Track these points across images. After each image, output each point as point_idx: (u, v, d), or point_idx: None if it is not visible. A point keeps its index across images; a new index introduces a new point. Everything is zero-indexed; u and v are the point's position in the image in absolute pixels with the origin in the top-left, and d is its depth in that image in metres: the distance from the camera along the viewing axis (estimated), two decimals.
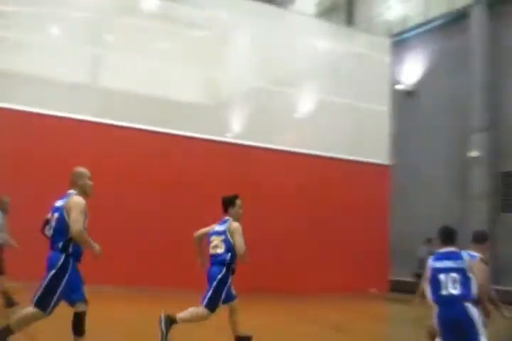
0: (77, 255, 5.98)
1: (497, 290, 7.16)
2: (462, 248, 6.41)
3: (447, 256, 6.19)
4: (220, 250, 7.22)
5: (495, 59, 19.53)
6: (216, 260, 7.21)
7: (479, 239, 6.93)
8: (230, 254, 7.18)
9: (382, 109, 19.57)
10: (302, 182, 17.08)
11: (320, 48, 19.50)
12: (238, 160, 16.30)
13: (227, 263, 7.17)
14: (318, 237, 17.08)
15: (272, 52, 17.56)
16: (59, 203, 6.09)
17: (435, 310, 6.08)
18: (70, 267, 5.87)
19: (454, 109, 20.53)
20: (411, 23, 22.51)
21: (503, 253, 18.24)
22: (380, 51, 20.29)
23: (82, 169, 6.31)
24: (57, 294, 5.83)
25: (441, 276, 6.07)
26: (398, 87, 21.27)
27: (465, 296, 5.94)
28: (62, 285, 5.83)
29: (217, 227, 7.41)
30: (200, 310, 7.05)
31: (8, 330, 5.80)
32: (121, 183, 14.22)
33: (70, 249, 5.90)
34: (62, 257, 5.87)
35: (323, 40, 19.56)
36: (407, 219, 20.99)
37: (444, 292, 6.02)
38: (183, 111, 15.95)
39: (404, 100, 21.78)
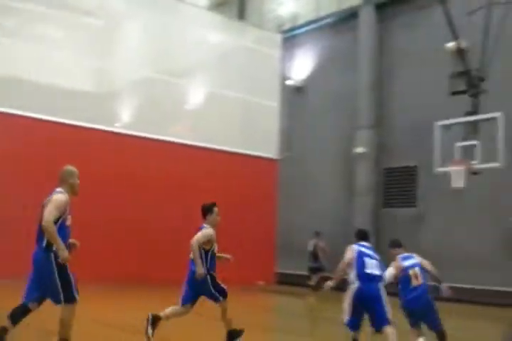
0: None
1: None
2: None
3: (368, 248, 8.09)
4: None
5: (382, 59, 21.02)
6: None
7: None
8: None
9: (271, 103, 20.68)
10: (191, 174, 17.89)
11: (211, 41, 20.31)
12: (127, 151, 16.85)
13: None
14: None
15: (164, 43, 18.22)
16: (46, 199, 6.35)
17: (355, 285, 7.67)
18: (54, 263, 6.11)
19: (341, 106, 21.90)
20: (302, 20, 23.71)
21: (385, 247, 19.74)
22: (270, 46, 21.37)
23: (72, 167, 6.57)
24: (72, 281, 6.21)
25: (367, 259, 7.82)
26: (288, 82, 22.34)
27: (380, 278, 7.79)
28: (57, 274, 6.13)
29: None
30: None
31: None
32: (10, 172, 14.45)
33: (54, 247, 6.11)
34: (46, 255, 6.12)
35: (215, 33, 20.38)
36: (294, 213, 22.18)
37: (368, 271, 7.72)
38: (73, 99, 16.29)
39: (294, 96, 22.97)
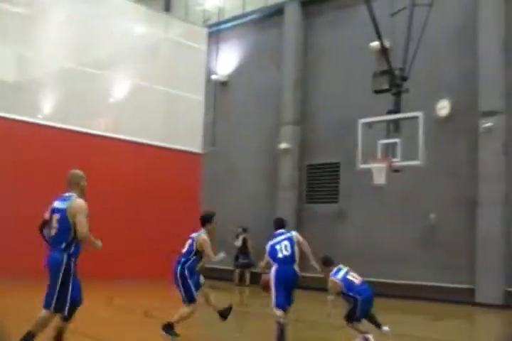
0: (76, 255, 6.51)
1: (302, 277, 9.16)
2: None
3: (280, 234, 9.05)
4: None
5: (307, 56, 21.28)
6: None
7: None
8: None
9: (196, 98, 20.64)
10: (114, 167, 17.64)
11: (137, 33, 20.09)
12: (49, 142, 16.46)
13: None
14: (128, 223, 17.68)
15: (89, 34, 17.93)
16: (60, 205, 6.58)
17: (274, 267, 8.61)
18: (72, 266, 6.43)
19: (266, 101, 22.04)
20: (228, 15, 23.66)
21: (306, 240, 20.01)
22: (196, 40, 21.32)
23: (79, 171, 6.83)
24: (69, 294, 6.39)
25: (277, 246, 8.79)
26: (214, 77, 22.29)
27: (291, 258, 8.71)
28: (71, 284, 6.39)
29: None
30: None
31: (31, 335, 6.28)
32: None
33: (72, 249, 6.45)
34: (65, 257, 6.39)
35: (140, 25, 20.18)
36: (217, 208, 21.95)
37: (279, 255, 8.66)
38: None
39: (219, 90, 22.98)
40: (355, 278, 9.01)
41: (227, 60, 23.40)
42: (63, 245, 6.42)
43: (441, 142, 16.96)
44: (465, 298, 16.03)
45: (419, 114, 14.09)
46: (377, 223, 18.27)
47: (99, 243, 6.68)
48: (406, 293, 16.94)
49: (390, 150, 14.52)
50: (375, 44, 17.11)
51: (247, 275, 20.48)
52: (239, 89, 23.25)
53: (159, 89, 19.79)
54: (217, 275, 21.30)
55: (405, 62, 15.08)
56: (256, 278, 10.30)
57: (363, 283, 9.02)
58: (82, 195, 6.73)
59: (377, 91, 15.33)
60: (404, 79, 15.00)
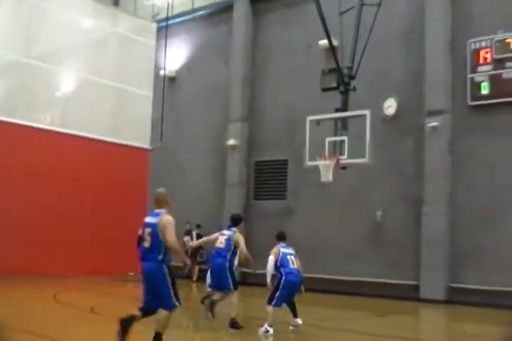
0: (169, 263, 7.35)
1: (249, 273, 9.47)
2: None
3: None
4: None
5: (255, 53, 21.30)
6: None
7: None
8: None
9: (145, 93, 20.48)
10: (61, 163, 17.37)
11: (84, 27, 19.82)
12: None
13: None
14: (73, 220, 17.42)
15: (35, 27, 17.64)
16: (151, 220, 7.48)
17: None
18: (169, 270, 7.32)
19: (214, 98, 22.00)
20: (178, 10, 23.50)
21: (254, 237, 20.05)
22: (145, 35, 21.15)
23: (165, 190, 7.92)
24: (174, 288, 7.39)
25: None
26: (162, 72, 22.10)
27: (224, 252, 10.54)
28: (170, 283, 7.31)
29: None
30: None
31: (160, 335, 7.32)
32: None
33: (166, 259, 7.30)
34: (164, 266, 7.24)
35: (88, 19, 19.91)
36: None
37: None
38: None
39: (168, 86, 22.77)
40: (292, 262, 9.92)
41: (176, 55, 23.24)
42: (160, 257, 7.22)
43: (387, 140, 17.17)
44: (410, 294, 16.28)
45: (366, 112, 14.21)
46: (325, 220, 18.41)
47: (186, 259, 7.83)
48: (352, 290, 17.11)
49: (337, 148, 14.63)
50: (324, 42, 17.22)
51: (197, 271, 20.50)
52: (187, 85, 23.13)
53: (107, 83, 19.55)
54: None
55: (353, 61, 15.20)
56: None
57: (298, 270, 9.92)
58: (169, 211, 7.66)
59: (325, 89, 15.42)
60: (352, 77, 15.11)
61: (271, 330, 9.40)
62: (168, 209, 7.64)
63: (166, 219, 7.41)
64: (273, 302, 9.64)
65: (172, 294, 7.28)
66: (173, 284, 7.32)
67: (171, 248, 7.28)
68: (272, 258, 9.95)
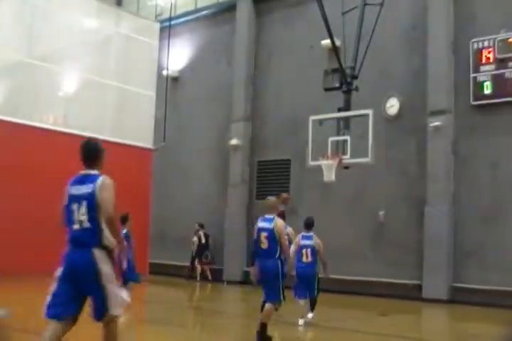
0: (284, 262, 8.47)
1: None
2: None
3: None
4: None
5: (258, 53, 21.30)
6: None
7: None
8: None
9: (147, 93, 20.44)
10: (63, 162, 17.23)
11: (87, 27, 19.76)
12: None
13: None
14: None
15: (38, 27, 17.61)
16: (266, 225, 8.46)
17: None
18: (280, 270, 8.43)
19: (217, 97, 22.01)
20: (181, 10, 23.52)
21: None
22: (148, 35, 21.11)
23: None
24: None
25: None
26: (165, 72, 22.13)
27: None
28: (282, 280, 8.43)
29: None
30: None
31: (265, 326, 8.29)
32: None
33: (282, 257, 8.44)
34: (279, 263, 8.37)
35: (91, 19, 19.86)
36: (168, 204, 22.08)
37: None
38: None
39: (171, 86, 22.76)
40: (306, 256, 11.04)
41: (179, 55, 23.24)
42: (277, 256, 8.35)
43: (390, 140, 17.17)
44: (413, 293, 16.28)
45: (369, 111, 14.23)
46: (327, 220, 18.35)
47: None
48: (355, 289, 17.10)
49: (340, 148, 14.64)
50: (326, 42, 17.20)
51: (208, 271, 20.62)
52: (190, 85, 23.14)
53: (110, 83, 19.54)
54: (166, 271, 21.27)
55: (356, 61, 15.21)
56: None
57: (307, 264, 10.96)
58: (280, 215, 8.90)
59: (328, 89, 15.43)
60: (354, 77, 15.12)
61: (300, 321, 10.52)
62: (276, 214, 8.74)
63: (280, 223, 8.46)
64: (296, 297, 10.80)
65: (281, 290, 8.35)
66: (283, 281, 8.41)
67: (286, 252, 8.51)
68: (292, 248, 10.44)
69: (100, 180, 5.67)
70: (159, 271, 20.86)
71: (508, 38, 15.55)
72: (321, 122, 15.13)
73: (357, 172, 16.26)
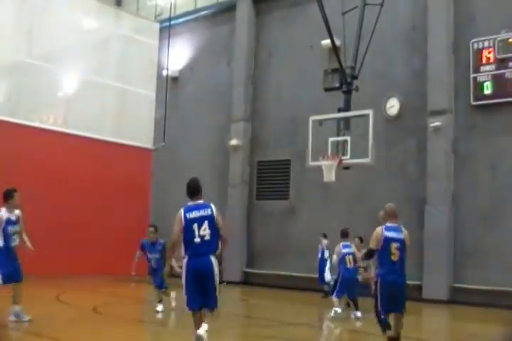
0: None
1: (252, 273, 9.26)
2: None
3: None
4: None
5: (258, 53, 21.29)
6: None
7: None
8: None
9: (148, 93, 20.46)
10: (63, 162, 17.37)
11: (87, 27, 19.78)
12: None
13: None
14: (79, 219, 17.43)
15: (38, 27, 17.61)
16: (397, 235, 7.92)
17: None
18: None
19: (217, 97, 21.99)
20: (180, 10, 23.50)
21: (257, 237, 20.09)
22: (148, 35, 21.16)
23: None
24: None
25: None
26: (165, 72, 22.14)
27: None
28: None
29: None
30: None
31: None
32: None
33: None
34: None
35: (91, 19, 19.87)
36: (167, 203, 22.01)
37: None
38: None
39: (171, 86, 22.77)
40: (350, 262, 11.99)
41: (179, 55, 23.23)
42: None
43: (390, 140, 17.17)
44: (413, 294, 16.24)
45: (369, 112, 14.23)
46: (328, 220, 18.38)
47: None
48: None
49: (340, 148, 14.64)
50: (326, 42, 17.19)
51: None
52: (190, 85, 23.14)
53: (110, 83, 19.57)
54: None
55: (356, 61, 15.22)
56: None
57: (353, 269, 12.10)
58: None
59: (328, 89, 15.43)
60: (354, 77, 15.12)
61: (339, 310, 11.70)
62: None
63: (407, 233, 8.18)
64: (334, 294, 11.90)
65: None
66: None
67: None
68: (335, 258, 12.30)
69: (213, 206, 7.48)
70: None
71: (508, 38, 15.56)
72: (321, 122, 15.12)
73: (357, 172, 16.26)
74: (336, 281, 12.30)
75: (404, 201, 17.08)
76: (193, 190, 7.60)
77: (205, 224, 7.26)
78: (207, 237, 7.24)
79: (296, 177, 19.47)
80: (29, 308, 8.69)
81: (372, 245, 7.80)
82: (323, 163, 14.54)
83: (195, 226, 7.23)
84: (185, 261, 7.22)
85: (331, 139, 14.71)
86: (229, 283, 19.80)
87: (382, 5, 15.41)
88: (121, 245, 18.08)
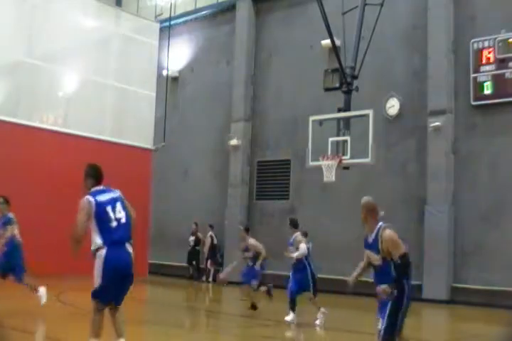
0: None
1: None
2: None
3: None
4: None
5: (258, 53, 21.29)
6: None
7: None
8: None
9: (148, 93, 20.44)
10: (62, 162, 17.33)
11: (87, 27, 19.74)
12: None
13: None
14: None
15: (38, 27, 17.61)
16: None
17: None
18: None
19: (217, 97, 22.00)
20: (180, 10, 23.50)
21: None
22: (148, 35, 21.13)
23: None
24: None
25: None
26: (165, 72, 22.14)
27: None
28: None
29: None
30: None
31: None
32: None
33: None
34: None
35: (91, 19, 19.82)
36: (168, 204, 22.08)
37: None
38: None
39: (170, 86, 22.79)
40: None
41: (179, 55, 23.24)
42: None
43: (390, 140, 17.18)
44: (413, 294, 16.24)
45: (369, 112, 14.22)
46: (328, 220, 18.39)
47: None
48: (355, 290, 17.06)
49: (340, 148, 14.63)
50: (326, 42, 17.20)
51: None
52: (190, 85, 23.14)
53: (110, 83, 19.56)
54: (166, 271, 21.26)
55: (356, 61, 15.21)
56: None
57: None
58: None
59: (328, 89, 15.42)
60: (354, 77, 15.11)
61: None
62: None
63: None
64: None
65: None
66: None
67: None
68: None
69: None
70: (159, 271, 20.87)
71: (508, 38, 15.56)
72: (321, 122, 15.11)
73: (357, 172, 16.26)
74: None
75: (404, 201, 17.11)
76: (101, 174, 7.23)
77: (119, 206, 6.78)
78: (123, 220, 6.71)
79: (296, 177, 19.46)
80: (29, 308, 8.68)
81: (401, 249, 6.60)
82: (323, 163, 14.53)
83: (109, 209, 6.70)
84: (103, 253, 6.48)
85: (331, 139, 14.69)
86: (229, 283, 19.84)
87: (382, 5, 15.41)
88: None
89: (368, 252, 6.93)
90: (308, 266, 11.17)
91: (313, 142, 14.97)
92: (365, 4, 15.54)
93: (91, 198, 6.70)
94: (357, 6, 15.61)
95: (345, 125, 14.80)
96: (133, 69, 19.94)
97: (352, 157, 14.28)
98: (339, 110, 15.10)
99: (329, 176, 14.48)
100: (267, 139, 20.65)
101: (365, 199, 7.05)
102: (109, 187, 7.04)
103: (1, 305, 9.45)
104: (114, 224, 6.61)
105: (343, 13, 15.64)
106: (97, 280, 6.47)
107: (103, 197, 6.75)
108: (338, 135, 14.84)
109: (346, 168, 14.82)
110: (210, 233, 20.68)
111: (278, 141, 20.23)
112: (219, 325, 11.23)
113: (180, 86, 23.42)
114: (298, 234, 11.45)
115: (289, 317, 10.77)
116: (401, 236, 17.04)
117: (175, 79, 23.39)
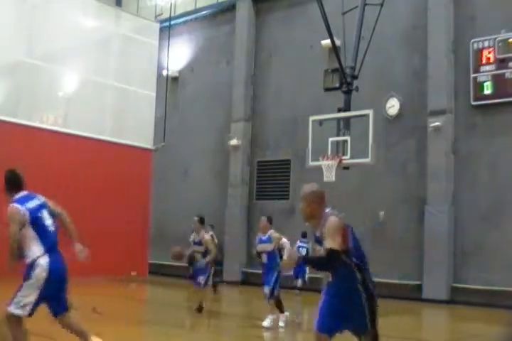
0: None
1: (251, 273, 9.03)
2: None
3: None
4: None
5: (258, 52, 21.30)
6: None
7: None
8: None
9: (148, 93, 20.44)
10: (62, 162, 17.34)
11: (87, 27, 19.74)
12: None
13: None
14: (78, 219, 17.35)
15: (38, 26, 17.60)
16: None
17: None
18: None
19: (217, 97, 22.00)
20: (180, 10, 23.50)
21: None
22: (148, 35, 21.13)
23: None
24: None
25: None
26: (165, 72, 22.14)
27: None
28: None
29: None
30: None
31: None
32: None
33: None
34: None
35: (91, 19, 19.82)
36: (168, 204, 22.08)
37: None
38: None
39: (170, 86, 22.79)
40: None
41: (179, 55, 23.23)
42: None
43: (390, 140, 17.18)
44: (413, 294, 16.28)
45: (369, 112, 14.22)
46: None
47: None
48: None
49: (340, 148, 14.63)
50: (326, 42, 17.20)
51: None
52: (190, 85, 23.14)
53: (110, 83, 19.56)
54: (166, 271, 21.25)
55: (356, 61, 15.21)
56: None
57: None
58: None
59: (328, 89, 15.42)
60: (354, 77, 15.10)
61: None
62: None
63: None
64: None
65: None
66: None
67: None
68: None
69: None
70: (159, 271, 20.87)
71: (508, 38, 15.56)
72: (321, 122, 15.10)
73: (357, 172, 16.26)
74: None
75: (404, 201, 17.11)
76: (22, 181, 6.74)
77: (45, 213, 6.53)
78: (52, 227, 6.52)
79: (296, 177, 19.45)
80: None
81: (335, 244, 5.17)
82: (323, 163, 14.53)
83: (40, 215, 6.47)
84: (45, 262, 6.30)
85: (331, 139, 14.69)
86: (229, 283, 19.85)
87: (382, 5, 15.40)
88: (120, 245, 18.10)
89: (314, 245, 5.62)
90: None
91: (313, 142, 14.96)
92: (365, 4, 15.54)
93: (20, 206, 6.33)
94: (357, 6, 15.60)
95: (345, 125, 14.80)
96: (133, 69, 19.95)
97: (352, 157, 14.27)
98: (339, 110, 15.09)
99: (329, 176, 14.47)
100: (267, 139, 20.65)
101: (308, 187, 5.52)
102: (33, 193, 6.68)
103: (2, 305, 9.44)
104: (49, 229, 6.44)
105: (343, 13, 15.63)
106: (30, 292, 6.26)
107: (31, 204, 6.44)
108: (338, 135, 14.83)
109: (346, 168, 14.81)
110: (211, 233, 20.63)
111: (278, 141, 20.23)
112: (219, 325, 11.22)
113: (180, 86, 23.42)
114: (273, 231, 10.86)
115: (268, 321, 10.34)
116: (401, 236, 17.12)
117: (175, 79, 23.39)
